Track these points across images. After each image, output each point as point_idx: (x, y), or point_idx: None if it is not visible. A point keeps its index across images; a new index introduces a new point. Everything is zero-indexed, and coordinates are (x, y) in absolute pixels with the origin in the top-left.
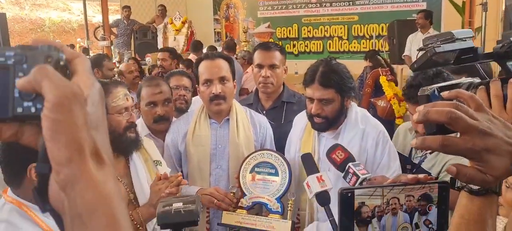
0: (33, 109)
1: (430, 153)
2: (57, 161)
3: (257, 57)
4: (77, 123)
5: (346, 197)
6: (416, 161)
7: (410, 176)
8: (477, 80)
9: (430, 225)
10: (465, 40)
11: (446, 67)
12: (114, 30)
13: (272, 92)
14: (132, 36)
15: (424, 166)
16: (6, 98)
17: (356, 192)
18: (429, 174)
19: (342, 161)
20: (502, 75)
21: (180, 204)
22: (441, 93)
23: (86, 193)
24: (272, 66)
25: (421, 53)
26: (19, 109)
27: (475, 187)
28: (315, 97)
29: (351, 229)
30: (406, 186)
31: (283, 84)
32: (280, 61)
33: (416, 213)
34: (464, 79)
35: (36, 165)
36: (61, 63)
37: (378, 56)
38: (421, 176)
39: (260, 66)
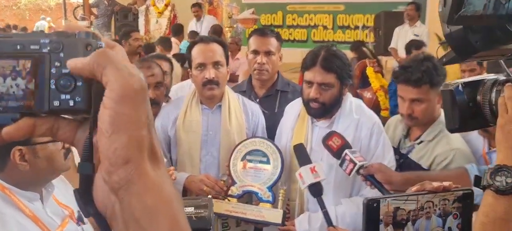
0: (71, 103)
1: (418, 144)
2: (113, 161)
3: (253, 43)
4: (141, 119)
5: (371, 207)
6: (404, 152)
7: (435, 183)
8: (502, 77)
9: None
10: None
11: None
12: (94, 10)
13: (266, 80)
14: (113, 18)
15: (412, 156)
16: (41, 90)
17: (383, 199)
18: (419, 165)
19: (339, 148)
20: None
21: (191, 209)
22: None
23: (144, 196)
24: (268, 53)
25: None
26: (56, 103)
27: (502, 186)
28: (316, 81)
29: None
30: (436, 193)
31: (278, 72)
32: (276, 48)
33: (449, 217)
34: (488, 76)
35: (78, 164)
36: None
37: (364, 48)
38: (446, 183)
39: (255, 52)
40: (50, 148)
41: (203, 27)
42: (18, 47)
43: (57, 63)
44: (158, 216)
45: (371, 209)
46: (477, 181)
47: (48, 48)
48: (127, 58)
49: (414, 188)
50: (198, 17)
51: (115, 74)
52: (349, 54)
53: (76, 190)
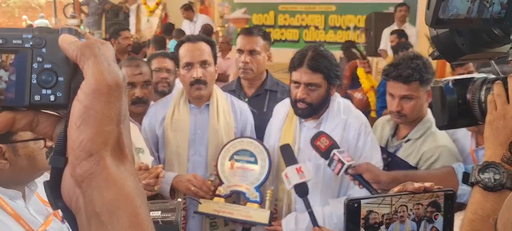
0: (52, 98)
1: (405, 142)
2: (77, 154)
3: (238, 42)
4: (110, 115)
5: (352, 208)
6: (391, 150)
7: (416, 184)
8: (491, 76)
9: None
10: None
11: None
12: (85, 8)
13: (252, 79)
14: (103, 16)
15: (400, 154)
16: (22, 84)
17: (364, 200)
18: (406, 163)
19: (327, 148)
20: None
21: (158, 213)
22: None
23: (105, 191)
24: (253, 52)
25: None
26: (37, 97)
27: (490, 183)
28: (303, 81)
29: None
30: (415, 194)
31: (267, 71)
32: (261, 47)
33: (423, 221)
34: (478, 75)
35: (51, 157)
36: None
37: (353, 49)
38: (427, 184)
39: (240, 51)
40: (31, 147)
41: (197, 26)
42: (1, 41)
43: (39, 59)
44: (118, 211)
45: (351, 210)
46: (465, 178)
47: (31, 43)
48: (114, 56)
49: (396, 189)
50: (190, 18)
51: (93, 69)
52: (340, 54)
53: (45, 182)
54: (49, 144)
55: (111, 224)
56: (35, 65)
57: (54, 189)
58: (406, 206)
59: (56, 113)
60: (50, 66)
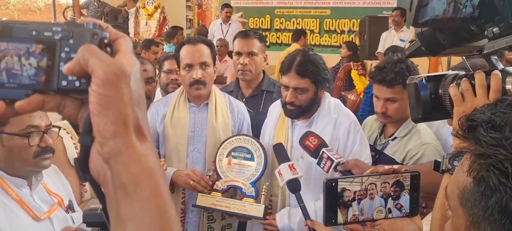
0: (77, 84)
1: (392, 140)
2: (103, 134)
3: (236, 45)
4: (124, 99)
5: (330, 186)
6: (379, 148)
7: (386, 166)
8: (462, 72)
9: (402, 209)
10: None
11: None
12: (84, 11)
13: (251, 80)
14: (103, 19)
15: (387, 151)
16: (51, 71)
17: (340, 179)
18: (393, 159)
19: (316, 147)
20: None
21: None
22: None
23: (130, 165)
24: (251, 54)
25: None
26: (64, 83)
27: None
28: (291, 85)
29: (335, 214)
30: (383, 175)
31: (264, 72)
32: (259, 49)
33: (389, 198)
34: (450, 72)
35: (80, 136)
36: (105, 41)
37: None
38: (395, 166)
39: (239, 53)
40: (17, 141)
41: (230, 31)
42: (34, 33)
43: (66, 49)
44: (142, 182)
45: (330, 188)
46: (437, 165)
47: (60, 35)
48: (131, 47)
49: (368, 170)
50: (226, 20)
51: (98, 63)
52: (335, 57)
53: (76, 159)
54: (43, 145)
55: (136, 194)
56: (63, 55)
57: (82, 164)
58: (375, 184)
59: (80, 97)
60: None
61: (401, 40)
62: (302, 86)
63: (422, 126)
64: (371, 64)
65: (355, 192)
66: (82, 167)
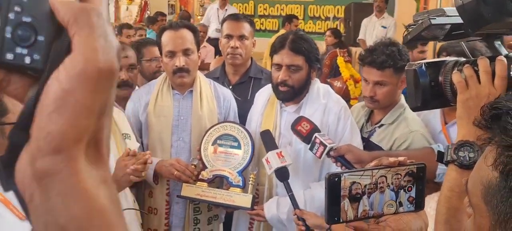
0: (27, 60)
1: (379, 127)
2: (42, 145)
3: (226, 27)
4: (92, 107)
5: (333, 182)
6: (365, 135)
7: (391, 158)
8: (462, 59)
9: (414, 202)
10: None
11: None
12: None
13: (240, 65)
14: None
15: (374, 139)
16: None
17: (346, 173)
18: (380, 147)
19: (308, 132)
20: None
21: None
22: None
23: (73, 202)
24: (241, 37)
25: (412, 27)
26: (9, 56)
27: (466, 161)
28: (284, 63)
29: (338, 212)
30: (387, 168)
31: (251, 59)
32: (249, 33)
33: (401, 191)
34: (449, 58)
35: (11, 130)
36: None
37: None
38: (401, 158)
39: (229, 36)
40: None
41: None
42: None
43: (17, 8)
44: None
45: (332, 183)
46: (440, 156)
47: None
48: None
49: (372, 163)
50: (223, 5)
51: (85, 44)
52: (320, 45)
53: (0, 157)
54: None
55: None
56: (11, 16)
57: (7, 167)
58: (386, 177)
59: (32, 74)
60: (29, 20)
61: (382, 26)
62: (296, 64)
63: (410, 112)
64: (355, 51)
65: (365, 186)
66: (6, 171)
